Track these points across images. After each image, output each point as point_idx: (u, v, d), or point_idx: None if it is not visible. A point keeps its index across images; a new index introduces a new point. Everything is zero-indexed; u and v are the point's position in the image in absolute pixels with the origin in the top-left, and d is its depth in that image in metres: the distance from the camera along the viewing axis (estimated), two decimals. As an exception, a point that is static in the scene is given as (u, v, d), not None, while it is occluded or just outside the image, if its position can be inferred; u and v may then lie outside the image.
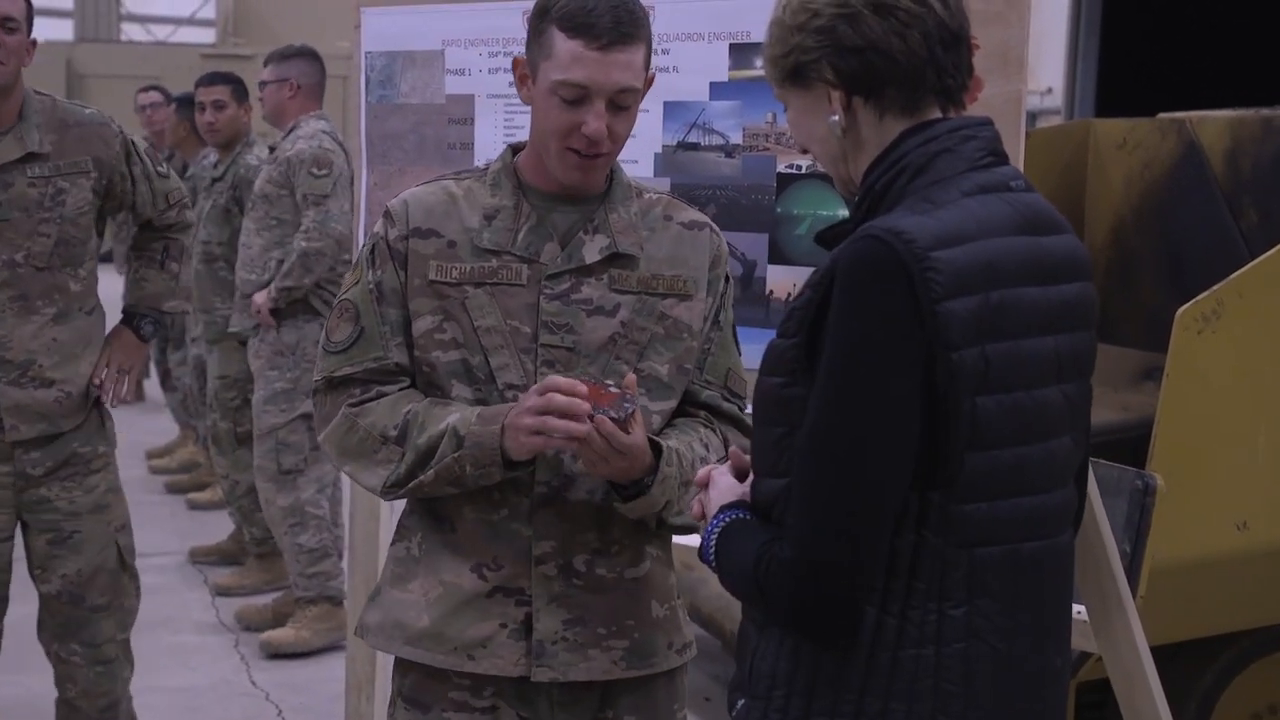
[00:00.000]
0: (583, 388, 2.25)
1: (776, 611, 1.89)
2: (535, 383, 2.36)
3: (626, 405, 2.26)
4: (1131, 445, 4.24)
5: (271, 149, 5.80)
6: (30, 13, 3.79)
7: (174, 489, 7.91)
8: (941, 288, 1.78)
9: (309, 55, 5.88)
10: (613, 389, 2.27)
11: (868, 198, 1.95)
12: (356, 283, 2.47)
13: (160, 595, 5.86)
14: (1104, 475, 3.45)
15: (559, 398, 2.23)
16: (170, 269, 4.11)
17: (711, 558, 2.01)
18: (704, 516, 2.06)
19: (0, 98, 3.71)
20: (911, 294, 1.78)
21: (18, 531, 3.86)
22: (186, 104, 7.18)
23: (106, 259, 5.84)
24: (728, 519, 2.00)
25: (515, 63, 2.45)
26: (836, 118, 1.95)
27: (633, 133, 3.11)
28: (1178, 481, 3.50)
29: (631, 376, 2.30)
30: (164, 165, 4.08)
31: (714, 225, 2.57)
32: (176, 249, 4.11)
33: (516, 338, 2.40)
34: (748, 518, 1.99)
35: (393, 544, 2.56)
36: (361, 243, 3.02)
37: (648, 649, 2.49)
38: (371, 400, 2.43)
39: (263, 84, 5.81)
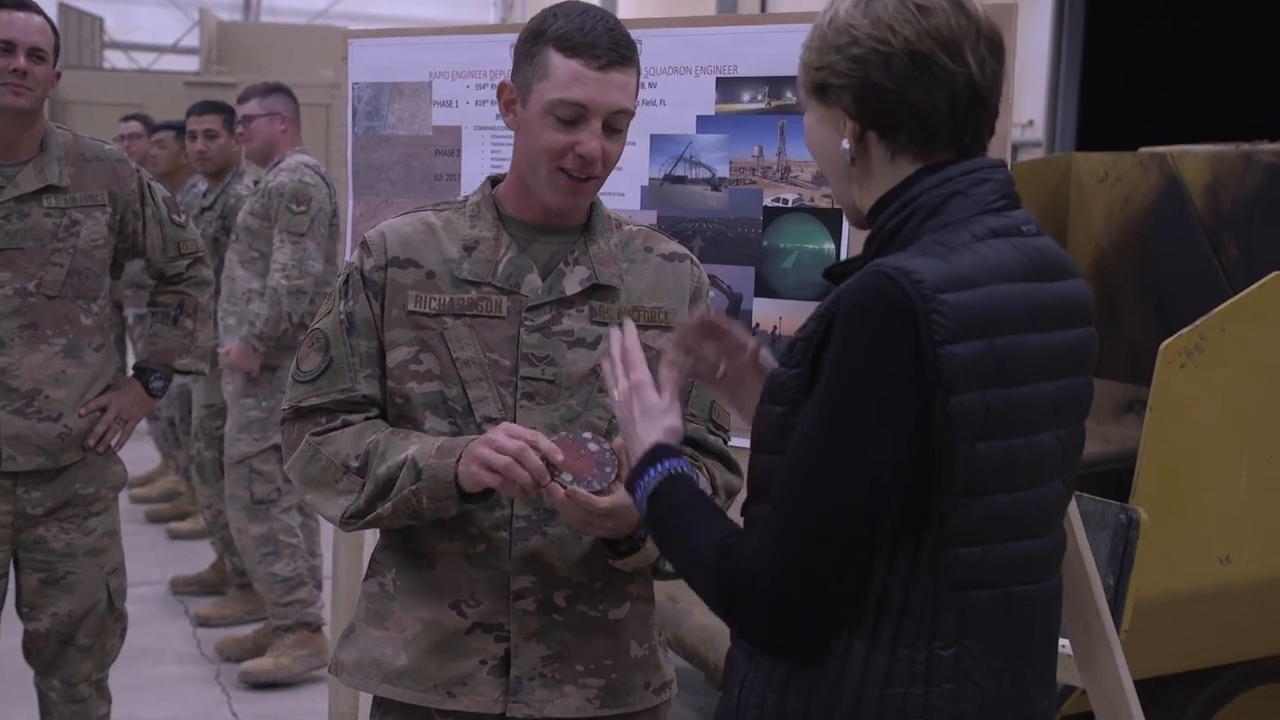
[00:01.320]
0: (559, 455, 2.20)
1: (743, 629, 1.91)
2: (515, 417, 2.35)
3: (608, 472, 2.23)
4: (1114, 478, 4.25)
5: (257, 182, 5.78)
6: (58, 43, 3.81)
7: (155, 518, 7.89)
8: (946, 331, 1.78)
9: (285, 90, 5.90)
10: (590, 446, 2.23)
11: (879, 236, 1.94)
12: (328, 313, 2.46)
13: (141, 626, 5.82)
14: (1088, 509, 3.46)
15: (533, 457, 2.19)
16: (184, 325, 4.08)
17: (644, 507, 2.01)
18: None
19: (23, 127, 3.72)
20: (915, 335, 1.78)
21: (10, 568, 3.84)
22: (179, 132, 7.15)
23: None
24: (672, 469, 2.01)
25: (502, 87, 2.42)
26: (847, 146, 1.95)
27: (619, 165, 3.13)
28: (1161, 515, 3.51)
29: (620, 441, 2.23)
30: (181, 216, 4.06)
31: (694, 258, 2.57)
32: (191, 305, 4.08)
33: (496, 370, 2.38)
34: (690, 475, 2.00)
35: (366, 579, 2.53)
36: None
37: (624, 689, 2.47)
38: (336, 429, 2.41)
39: (248, 118, 5.77)
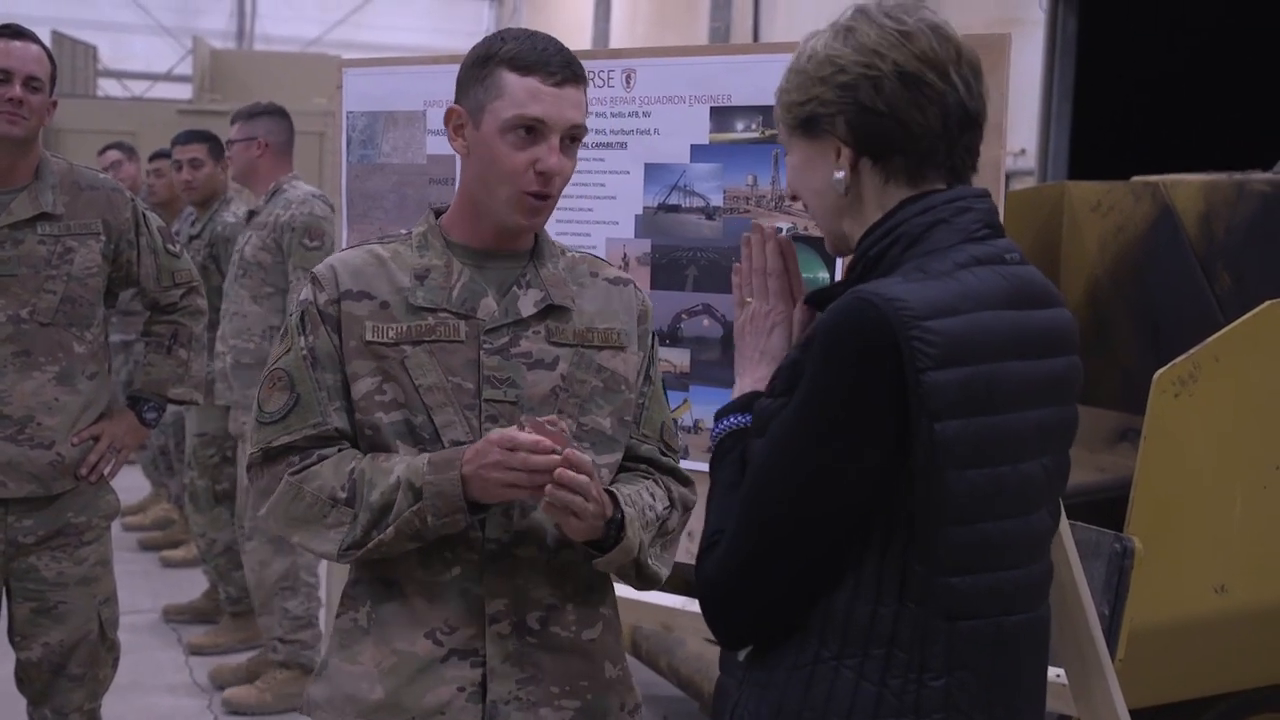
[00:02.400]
0: (546, 442, 2.22)
1: (705, 619, 1.97)
2: (479, 439, 2.33)
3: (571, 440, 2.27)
4: (1108, 506, 4.25)
5: (252, 213, 5.71)
6: (54, 72, 3.81)
7: (147, 546, 7.87)
8: (930, 358, 1.78)
9: (276, 113, 5.76)
10: (550, 428, 2.24)
11: (861, 263, 1.95)
12: (287, 351, 2.41)
13: (133, 655, 5.76)
14: (1083, 538, 3.46)
15: (523, 437, 2.21)
16: (178, 355, 4.07)
17: (714, 444, 2.10)
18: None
19: (19, 156, 3.72)
20: (896, 361, 1.78)
21: (2, 596, 3.83)
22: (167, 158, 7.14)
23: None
24: (736, 425, 2.07)
25: (451, 112, 2.41)
26: (841, 175, 1.96)
27: (613, 194, 3.14)
28: (1156, 544, 3.51)
29: (563, 422, 2.28)
30: (176, 245, 4.06)
31: (636, 282, 2.59)
32: (185, 335, 4.08)
33: (459, 394, 2.37)
34: (746, 428, 2.04)
35: (338, 615, 2.49)
36: None
37: (600, 710, 2.47)
38: (313, 464, 2.36)
39: (230, 142, 5.74)
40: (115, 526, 4.05)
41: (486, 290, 2.41)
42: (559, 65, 2.34)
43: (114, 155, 8.00)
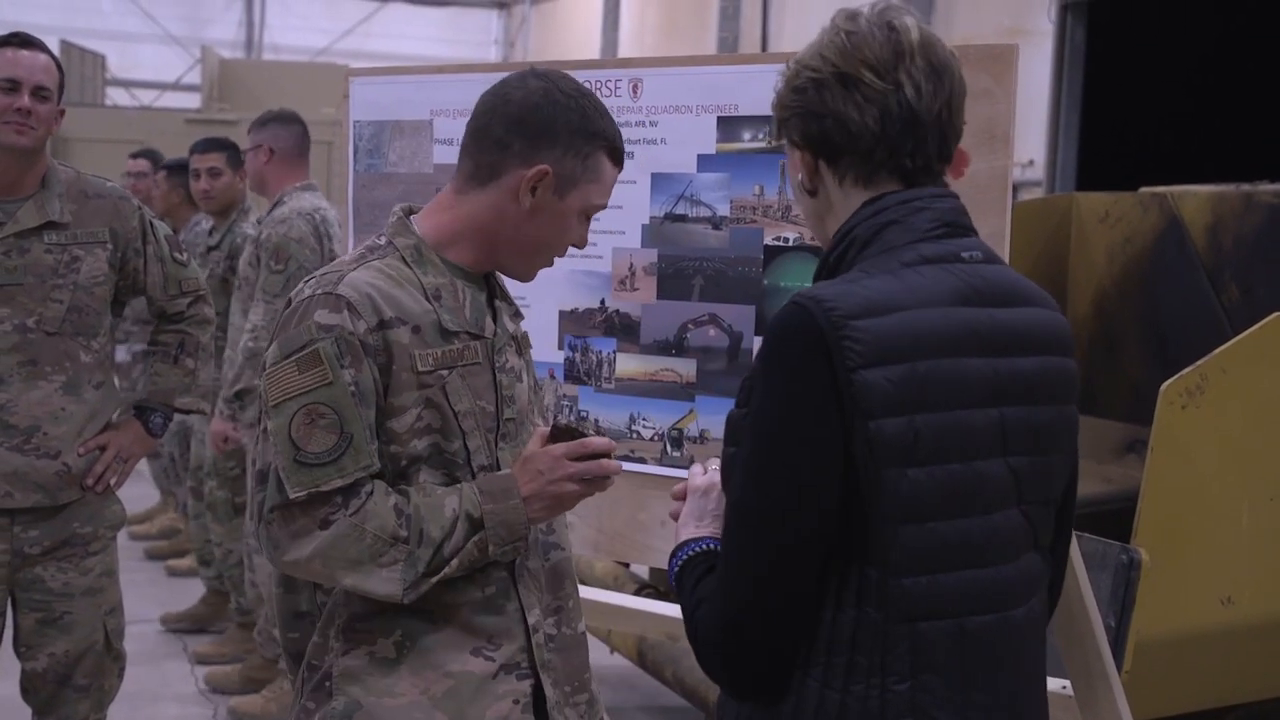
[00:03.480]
0: (601, 442, 2.34)
1: (712, 677, 1.94)
2: (495, 461, 2.36)
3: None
4: (1115, 517, 4.24)
5: (259, 221, 5.71)
6: (62, 81, 3.81)
7: (153, 555, 7.86)
8: (859, 356, 1.79)
9: (286, 119, 5.67)
10: (562, 420, 2.34)
11: (823, 269, 1.98)
12: (326, 384, 2.23)
13: (139, 665, 5.78)
14: (1089, 549, 3.45)
15: (610, 463, 2.33)
16: (185, 364, 4.06)
17: (674, 586, 2.05)
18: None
19: (26, 165, 3.72)
20: (828, 362, 1.79)
21: (8, 607, 3.82)
22: (178, 170, 7.09)
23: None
24: (692, 551, 2.03)
25: (541, 173, 2.32)
26: (800, 176, 2.01)
27: (620, 204, 3.15)
28: (1162, 556, 3.50)
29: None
30: (183, 254, 4.05)
31: None
32: (192, 344, 4.07)
33: (484, 418, 2.36)
34: (711, 549, 2.01)
35: (344, 654, 2.37)
36: None
37: (596, 697, 2.56)
38: (367, 504, 2.24)
39: (244, 151, 5.74)
40: (121, 536, 4.05)
41: (484, 308, 2.42)
42: (622, 155, 2.43)
43: (143, 164, 7.95)
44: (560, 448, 2.28)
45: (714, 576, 1.94)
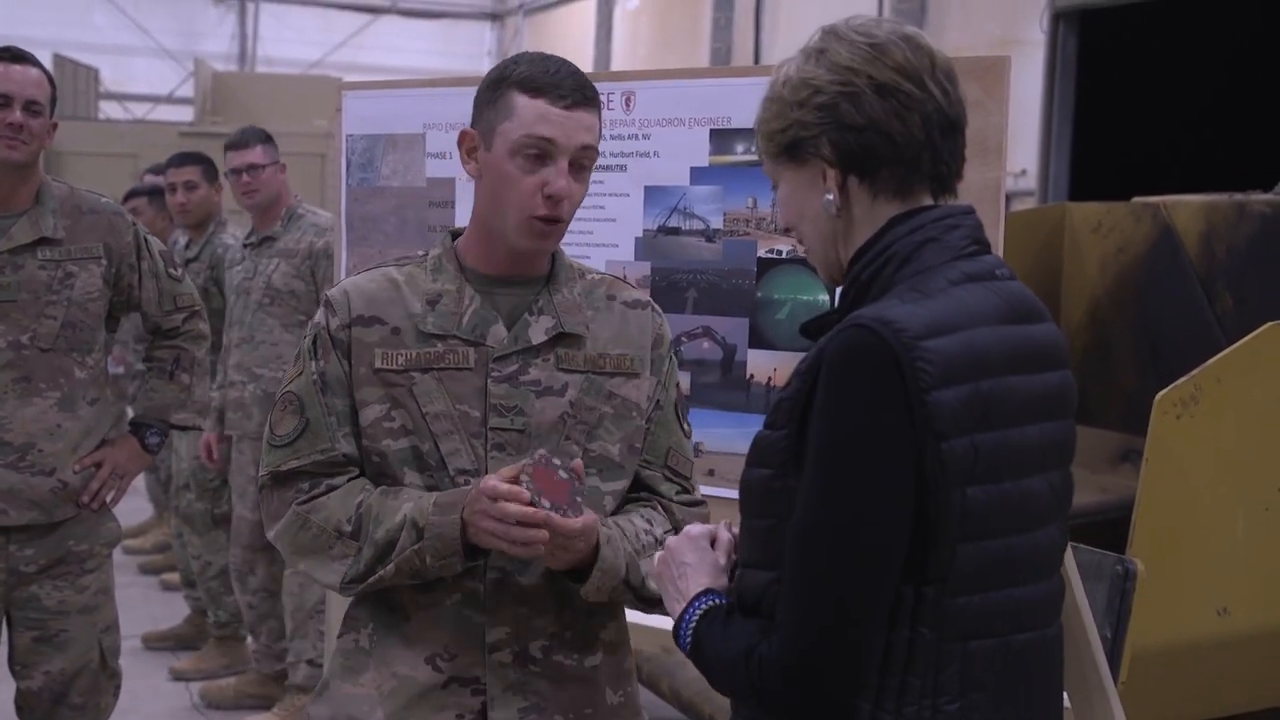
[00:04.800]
0: (525, 494, 2.21)
1: (771, 710, 1.87)
2: (486, 467, 2.34)
3: (579, 500, 2.24)
4: (1110, 527, 4.24)
5: (266, 239, 5.60)
6: (54, 95, 3.80)
7: (148, 570, 7.84)
8: (932, 377, 1.78)
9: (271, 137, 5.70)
10: (562, 474, 2.24)
11: (853, 287, 1.95)
12: (299, 374, 2.42)
13: (134, 680, 5.73)
14: (1084, 560, 3.45)
15: (511, 508, 2.20)
16: (180, 380, 4.06)
17: (687, 643, 1.99)
18: (673, 584, 2.05)
19: (19, 180, 3.71)
20: (901, 384, 1.77)
21: (3, 625, 3.82)
22: (155, 194, 7.08)
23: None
24: (706, 604, 1.98)
25: (464, 135, 2.42)
26: (831, 196, 1.95)
27: (613, 217, 3.13)
28: (1158, 566, 3.49)
29: (578, 462, 2.29)
30: (178, 269, 4.05)
31: (655, 305, 2.57)
32: (188, 360, 4.07)
33: (466, 423, 2.37)
34: (727, 603, 1.97)
35: (340, 636, 2.50)
36: None
37: None
38: (321, 495, 2.38)
39: (255, 167, 5.54)
40: (116, 550, 4.04)
41: (496, 317, 2.40)
42: (570, 88, 2.33)
43: (152, 180, 7.89)
44: (506, 489, 2.22)
45: (743, 622, 1.91)
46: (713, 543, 2.10)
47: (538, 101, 2.32)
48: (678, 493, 2.54)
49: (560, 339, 2.42)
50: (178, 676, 6.22)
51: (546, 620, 2.40)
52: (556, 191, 2.32)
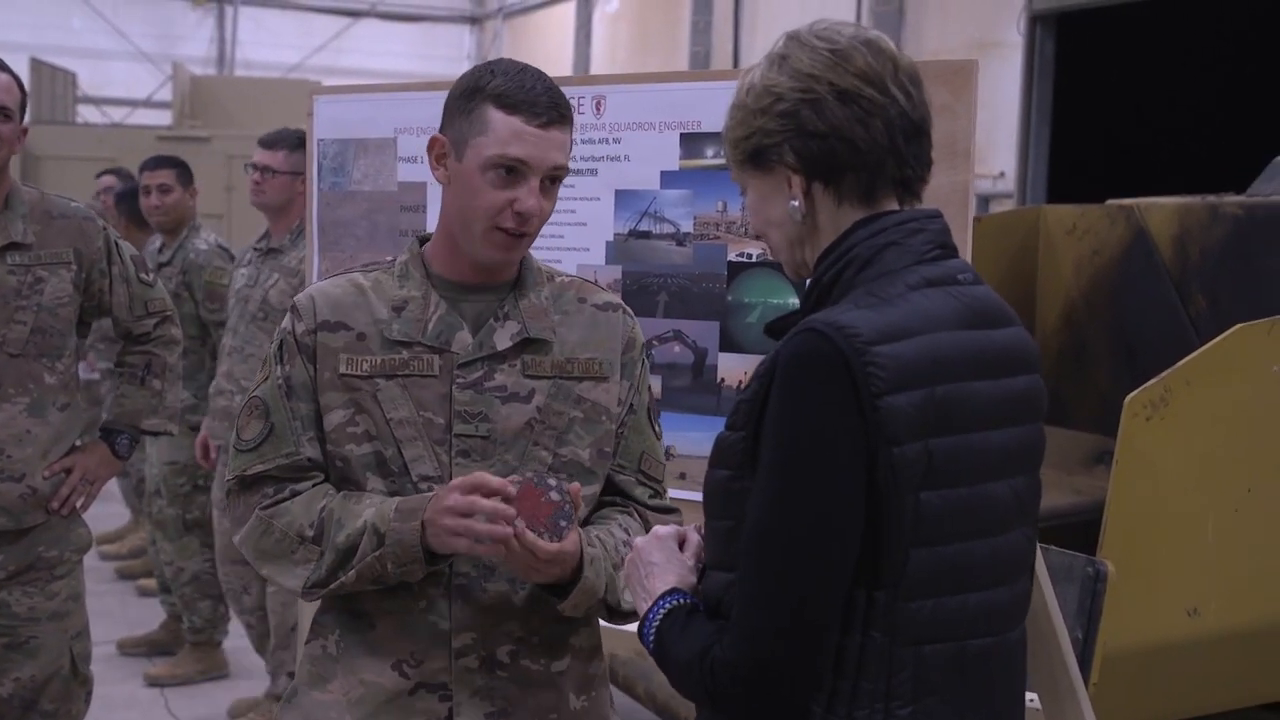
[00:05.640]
0: (511, 490, 2.21)
1: (725, 712, 1.88)
2: (450, 474, 2.34)
3: (563, 525, 2.23)
4: (1085, 529, 4.25)
5: (273, 249, 5.50)
6: (24, 100, 3.78)
7: (124, 575, 7.82)
8: (884, 382, 1.78)
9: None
10: (554, 495, 2.23)
11: (815, 289, 1.95)
12: (266, 379, 2.43)
13: (108, 686, 5.75)
14: (1055, 562, 3.46)
15: (483, 501, 2.20)
16: (152, 386, 4.04)
17: (651, 642, 1.99)
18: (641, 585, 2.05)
19: None
20: (853, 388, 1.78)
21: None
22: (126, 197, 7.06)
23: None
24: (670, 604, 1.98)
25: (434, 141, 2.41)
26: (796, 203, 1.96)
27: (584, 221, 3.13)
28: (1128, 568, 3.50)
29: (576, 485, 2.28)
30: (149, 274, 4.03)
31: (626, 308, 2.56)
32: (159, 365, 4.05)
33: (430, 429, 2.37)
34: (690, 603, 1.98)
35: (308, 642, 2.50)
36: None
37: None
38: (285, 500, 2.38)
39: (270, 170, 5.44)
40: (92, 555, 4.02)
41: (462, 324, 2.40)
42: (545, 106, 2.32)
43: (111, 180, 7.92)
44: (468, 483, 2.22)
45: (703, 622, 1.91)
46: (682, 544, 2.10)
47: (513, 119, 2.31)
48: (650, 496, 2.55)
49: (527, 344, 2.42)
50: (152, 682, 6.20)
51: (513, 625, 2.40)
52: (526, 210, 2.32)
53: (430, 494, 2.30)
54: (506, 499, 2.21)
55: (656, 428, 2.60)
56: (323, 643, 2.46)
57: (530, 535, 2.21)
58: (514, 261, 2.43)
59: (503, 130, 2.31)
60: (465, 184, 2.35)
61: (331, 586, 2.34)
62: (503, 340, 2.40)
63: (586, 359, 2.46)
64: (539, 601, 2.39)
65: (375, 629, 2.40)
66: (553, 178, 2.36)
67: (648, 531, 2.42)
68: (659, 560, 2.06)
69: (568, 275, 2.56)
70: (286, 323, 2.44)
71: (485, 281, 2.44)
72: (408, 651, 2.38)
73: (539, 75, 2.37)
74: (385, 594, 2.37)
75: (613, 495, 2.52)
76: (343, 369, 2.38)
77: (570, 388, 2.44)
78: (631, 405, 2.52)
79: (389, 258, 2.53)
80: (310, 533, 2.34)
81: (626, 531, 2.45)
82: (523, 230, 2.35)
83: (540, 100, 2.32)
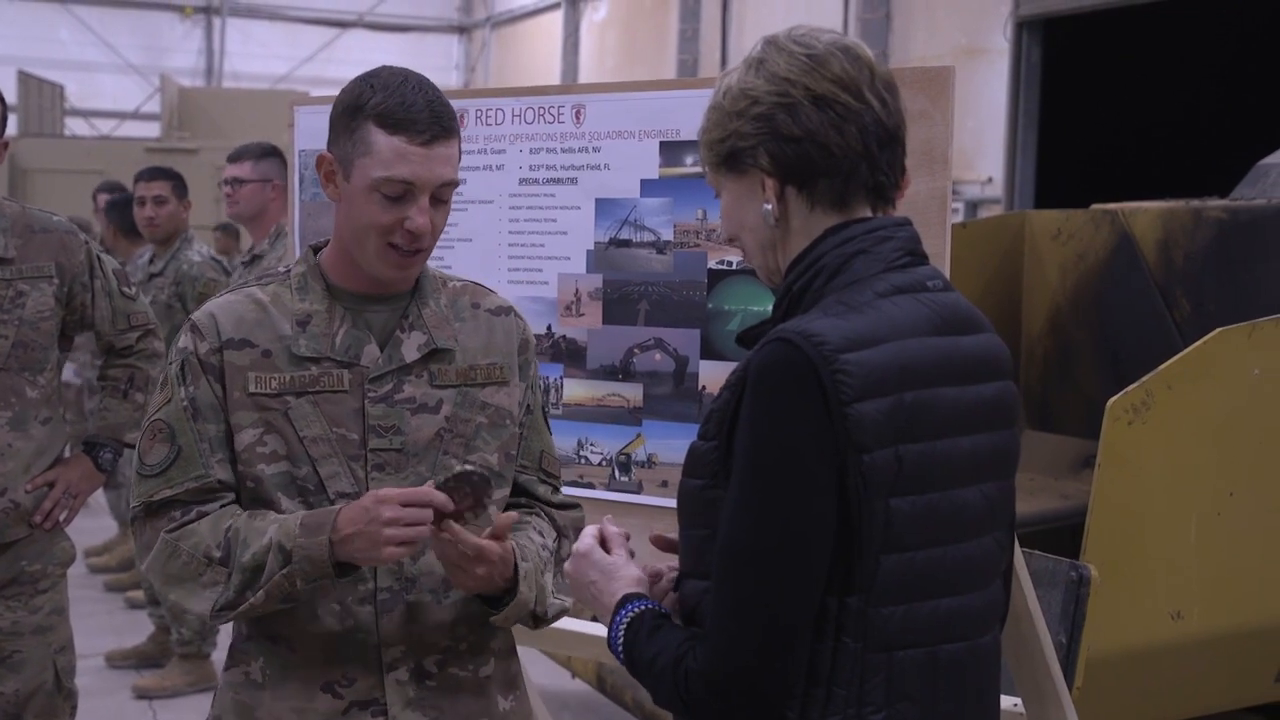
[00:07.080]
0: (440, 497, 2.22)
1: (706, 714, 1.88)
2: (366, 489, 2.32)
3: (481, 490, 2.25)
4: (1071, 533, 4.26)
5: (255, 256, 5.56)
6: (5, 114, 3.77)
7: (112, 588, 7.81)
8: (852, 390, 1.79)
9: (280, 155, 5.58)
10: (474, 477, 2.26)
11: (786, 298, 1.96)
12: (168, 401, 2.36)
13: (95, 698, 5.75)
14: (1038, 566, 3.46)
15: (414, 511, 2.19)
16: (134, 399, 4.03)
17: (620, 655, 1.99)
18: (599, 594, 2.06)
19: None
20: (821, 396, 1.78)
21: None
22: (116, 208, 7.05)
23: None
24: (629, 614, 1.99)
25: (321, 159, 2.37)
26: (769, 206, 1.96)
27: (565, 230, 3.13)
28: (1112, 572, 3.51)
29: (512, 515, 2.31)
30: (131, 288, 4.02)
31: (517, 310, 2.57)
32: (142, 378, 4.04)
33: (344, 445, 2.34)
34: (655, 608, 1.98)
35: (227, 669, 2.45)
36: None
37: None
38: (191, 522, 2.31)
39: (238, 181, 5.53)
40: (80, 567, 4.01)
41: (369, 337, 2.38)
42: (427, 123, 2.28)
43: (106, 197, 7.92)
44: (395, 492, 2.22)
45: (671, 631, 1.92)
46: (604, 542, 2.11)
47: (395, 140, 2.27)
48: (552, 493, 2.58)
49: (432, 355, 2.41)
50: (141, 694, 6.19)
51: (439, 635, 2.40)
52: (417, 229, 2.29)
53: (334, 508, 2.27)
54: (435, 503, 2.22)
55: (548, 424, 2.63)
56: (245, 669, 2.41)
57: (455, 527, 2.22)
58: (410, 278, 2.42)
59: (386, 151, 2.27)
60: (354, 204, 2.32)
61: (241, 608, 2.28)
62: (410, 352, 2.39)
63: (488, 365, 2.46)
64: (461, 609, 2.40)
65: (297, 652, 2.36)
66: (442, 195, 2.33)
67: (556, 529, 2.49)
68: (596, 577, 2.07)
69: (459, 280, 2.55)
70: (186, 342, 2.37)
71: (385, 291, 2.42)
72: (339, 673, 2.35)
73: (420, 87, 2.32)
74: (309, 618, 2.34)
75: (517, 496, 2.54)
76: (252, 388, 2.33)
77: (475, 394, 2.44)
78: (528, 406, 2.53)
79: (282, 269, 2.48)
80: (218, 553, 2.28)
81: (540, 534, 2.47)
82: (416, 247, 2.33)
83: (421, 117, 2.28)
